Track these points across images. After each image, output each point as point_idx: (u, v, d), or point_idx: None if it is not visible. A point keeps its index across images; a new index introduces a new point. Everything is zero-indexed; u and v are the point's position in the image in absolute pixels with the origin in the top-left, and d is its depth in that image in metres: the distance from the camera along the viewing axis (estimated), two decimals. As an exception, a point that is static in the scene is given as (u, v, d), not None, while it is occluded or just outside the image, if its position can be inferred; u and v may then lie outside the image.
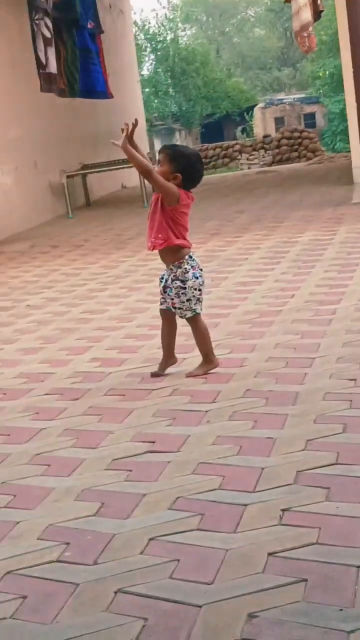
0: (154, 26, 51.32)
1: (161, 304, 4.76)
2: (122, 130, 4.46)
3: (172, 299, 4.67)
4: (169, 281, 4.67)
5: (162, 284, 4.73)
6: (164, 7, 54.06)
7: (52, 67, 12.41)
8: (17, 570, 2.72)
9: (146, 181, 5.08)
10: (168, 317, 4.76)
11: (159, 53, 50.05)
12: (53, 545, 2.86)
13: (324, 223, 9.82)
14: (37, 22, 12.04)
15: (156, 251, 4.64)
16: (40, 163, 13.84)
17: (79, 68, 13.69)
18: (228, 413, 3.96)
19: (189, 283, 4.62)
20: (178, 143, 45.05)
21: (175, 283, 4.64)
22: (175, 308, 4.70)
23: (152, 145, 33.56)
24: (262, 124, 47.05)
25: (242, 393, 4.23)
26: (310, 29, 13.86)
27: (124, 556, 2.72)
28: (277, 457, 3.37)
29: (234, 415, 3.93)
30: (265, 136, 35.02)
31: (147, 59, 49.83)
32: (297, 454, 3.38)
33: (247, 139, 39.29)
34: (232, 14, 66.36)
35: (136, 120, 4.56)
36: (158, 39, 50.56)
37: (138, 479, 3.34)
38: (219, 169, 31.47)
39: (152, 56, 50.35)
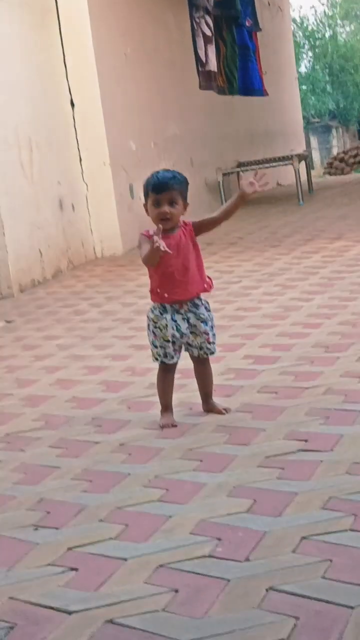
0: (313, 23, 50.85)
1: (171, 357, 4.19)
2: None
3: (207, 334, 4.18)
4: (198, 318, 4.17)
5: (181, 329, 4.15)
6: (323, 4, 53.28)
7: (212, 65, 12.47)
8: (169, 564, 2.74)
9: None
10: (173, 370, 4.29)
11: (317, 50, 49.58)
12: (205, 541, 2.87)
13: None
14: (197, 20, 12.12)
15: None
16: (196, 160, 13.92)
17: (237, 66, 13.72)
18: (383, 414, 3.90)
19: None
20: (334, 140, 44.47)
21: (211, 315, 4.23)
22: (209, 343, 4.21)
23: (308, 142, 33.30)
24: None
25: None
26: None
27: (276, 554, 2.71)
28: None
29: (389, 416, 3.87)
30: None
31: (305, 56, 49.45)
32: None
33: None
34: (393, 10, 65.18)
35: None
36: (316, 36, 50.11)
37: (290, 478, 3.32)
38: (376, 167, 30.95)
39: (310, 53, 49.91)
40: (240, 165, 15.37)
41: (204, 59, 12.26)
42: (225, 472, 3.47)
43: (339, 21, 53.25)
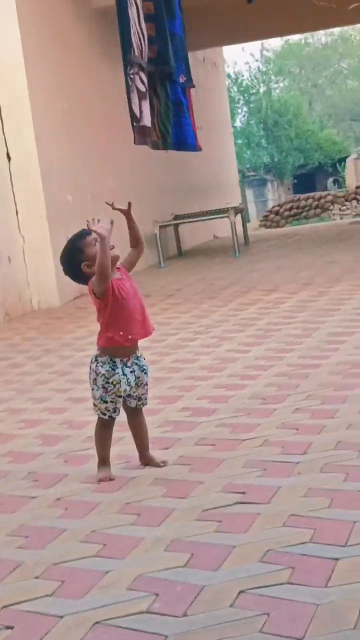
0: (247, 79, 51.68)
1: (119, 411, 4.19)
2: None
3: (147, 385, 4.23)
4: (142, 370, 4.20)
5: (131, 383, 4.15)
6: (257, 60, 54.26)
7: (147, 121, 12.56)
8: (106, 620, 2.71)
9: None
10: (113, 424, 4.25)
11: (251, 105, 50.34)
12: (142, 596, 2.84)
13: None
14: (132, 76, 12.21)
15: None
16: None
17: (171, 121, 13.82)
18: (319, 465, 3.91)
19: None
20: (270, 194, 45.01)
21: (148, 367, 4.27)
22: (143, 397, 4.23)
23: (244, 195, 33.69)
24: (354, 175, 46.74)
25: (333, 445, 4.17)
26: None
27: (213, 608, 2.69)
28: (370, 511, 3.31)
29: (325, 467, 3.88)
30: (357, 187, 34.84)
31: (240, 111, 50.18)
32: (391, 508, 3.31)
33: (339, 190, 39.18)
34: (325, 66, 66.42)
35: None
36: (251, 92, 50.92)
37: (228, 530, 3.31)
38: (310, 220, 31.39)
39: (245, 108, 50.67)
40: (176, 217, 15.48)
41: (138, 115, 12.35)
42: (163, 526, 3.45)
43: (272, 77, 54.24)
